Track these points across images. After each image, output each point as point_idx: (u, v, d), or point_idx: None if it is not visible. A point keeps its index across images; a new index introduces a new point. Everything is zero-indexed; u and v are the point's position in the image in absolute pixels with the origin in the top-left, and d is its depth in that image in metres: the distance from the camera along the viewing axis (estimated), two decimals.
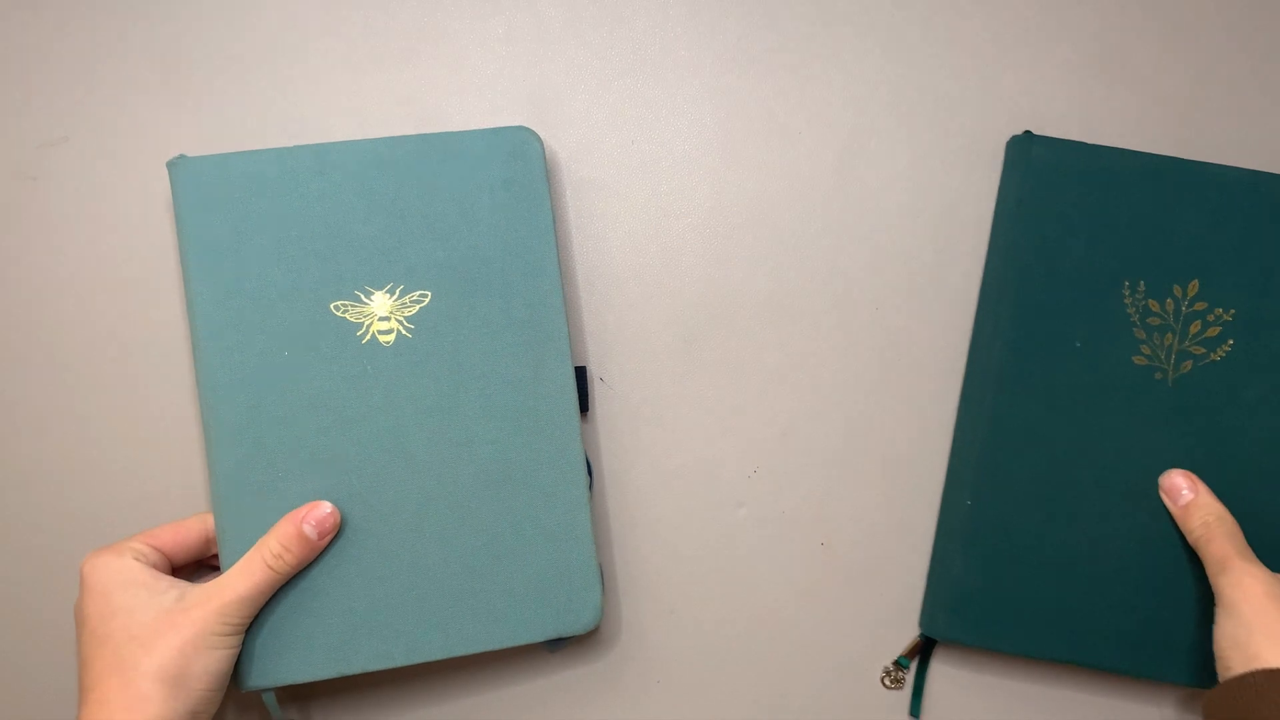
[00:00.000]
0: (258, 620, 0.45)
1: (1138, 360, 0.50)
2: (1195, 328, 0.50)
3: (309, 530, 0.45)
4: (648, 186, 0.53)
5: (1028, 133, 0.51)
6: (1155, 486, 0.50)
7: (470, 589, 0.47)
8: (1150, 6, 0.54)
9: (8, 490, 0.51)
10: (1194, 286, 0.50)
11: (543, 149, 0.48)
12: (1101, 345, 0.50)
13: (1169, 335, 0.50)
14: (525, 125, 0.48)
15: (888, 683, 0.53)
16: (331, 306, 0.47)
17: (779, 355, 0.53)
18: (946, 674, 0.53)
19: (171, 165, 0.47)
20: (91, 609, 0.43)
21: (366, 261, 0.47)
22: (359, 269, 0.47)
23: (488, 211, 0.48)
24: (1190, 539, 0.48)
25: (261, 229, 0.47)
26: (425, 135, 0.48)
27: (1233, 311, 0.50)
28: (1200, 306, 0.50)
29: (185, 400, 0.52)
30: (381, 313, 0.47)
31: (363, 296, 0.47)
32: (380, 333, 0.47)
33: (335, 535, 0.46)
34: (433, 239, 0.47)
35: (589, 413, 0.52)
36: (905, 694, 0.53)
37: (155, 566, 0.45)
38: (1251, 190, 0.50)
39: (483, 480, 0.47)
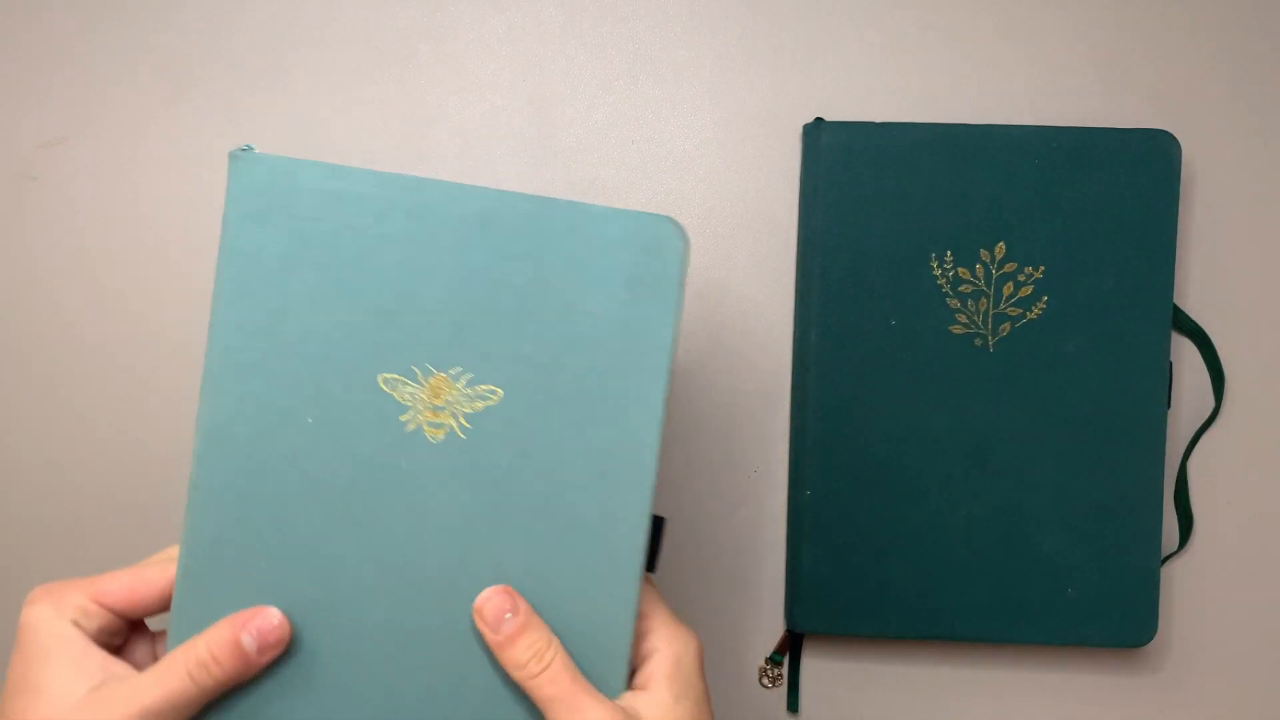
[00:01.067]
0: None
1: (955, 330, 0.50)
2: (1008, 289, 0.50)
3: (247, 641, 0.37)
4: (648, 186, 0.53)
5: (818, 119, 0.51)
6: (991, 454, 0.50)
7: None
8: None
9: None
10: (1001, 249, 0.50)
11: (685, 249, 0.38)
12: (917, 320, 0.50)
13: (983, 300, 0.50)
14: (670, 216, 0.38)
15: (766, 682, 0.53)
16: (380, 378, 0.38)
17: None
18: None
19: (234, 157, 0.37)
20: (13, 670, 0.37)
21: (435, 333, 0.38)
22: (424, 340, 0.37)
23: (599, 310, 0.38)
24: (517, 677, 0.37)
25: (321, 260, 0.37)
26: (548, 200, 0.38)
27: (1042, 268, 0.50)
28: (1010, 268, 0.50)
29: (187, 410, 0.52)
30: (438, 401, 0.38)
31: (420, 375, 0.38)
32: (429, 424, 0.38)
33: (281, 652, 0.37)
34: (522, 327, 0.38)
35: (654, 572, 0.42)
36: (784, 691, 0.53)
37: (100, 629, 0.38)
38: (1042, 145, 0.50)
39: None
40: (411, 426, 0.38)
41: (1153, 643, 0.51)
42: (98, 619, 0.38)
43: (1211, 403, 0.53)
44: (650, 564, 0.40)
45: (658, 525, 0.40)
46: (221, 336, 0.37)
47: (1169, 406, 0.50)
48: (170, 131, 0.54)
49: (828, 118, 0.52)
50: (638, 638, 0.39)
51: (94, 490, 0.53)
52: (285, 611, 0.38)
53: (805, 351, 0.51)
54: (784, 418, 0.52)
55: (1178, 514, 0.52)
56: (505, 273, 0.38)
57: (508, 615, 0.37)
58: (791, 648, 0.52)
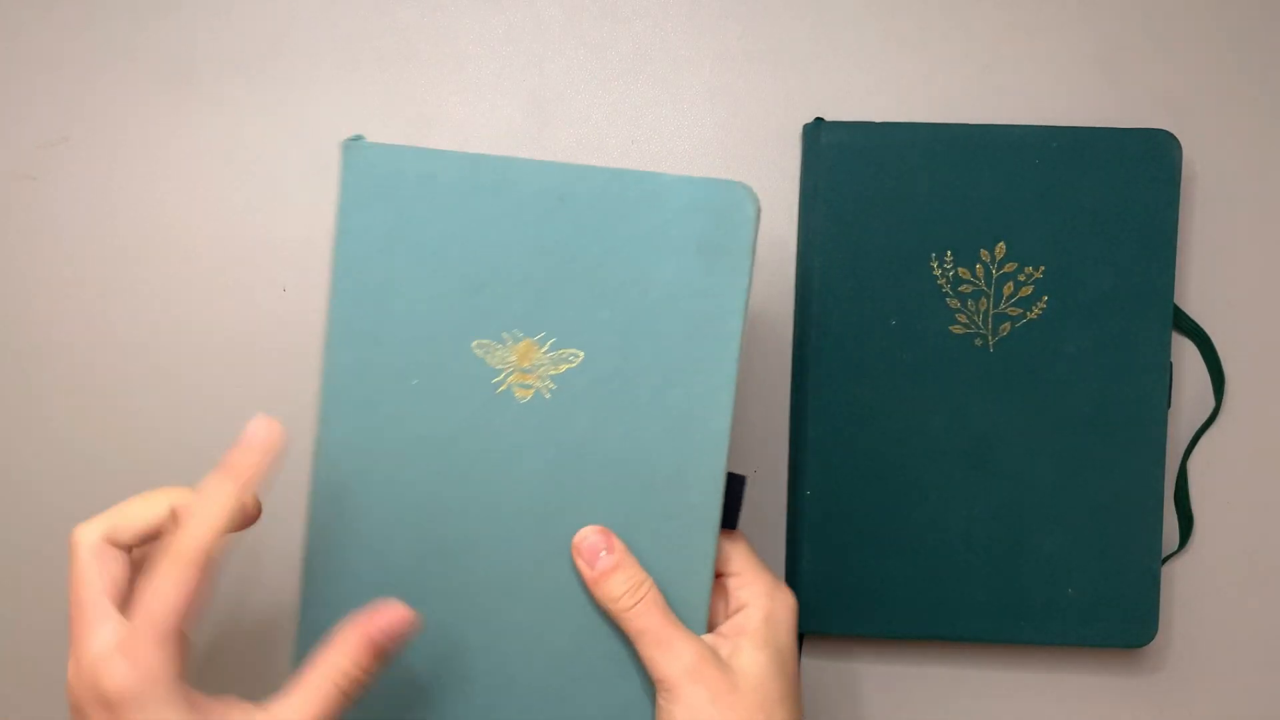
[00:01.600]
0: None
1: (955, 330, 0.50)
2: (1008, 289, 0.50)
3: (383, 641, 0.38)
4: None
5: (818, 119, 0.51)
6: (991, 454, 0.50)
7: (544, 701, 0.42)
8: None
9: None
10: (1001, 249, 0.50)
11: (757, 213, 0.40)
12: (917, 320, 0.50)
13: (983, 300, 0.50)
14: (742, 182, 0.40)
15: None
16: (473, 344, 0.41)
17: None
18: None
19: (346, 146, 0.41)
20: None
21: (522, 302, 0.41)
22: (512, 309, 0.41)
23: (673, 274, 0.40)
24: (611, 610, 0.41)
25: (421, 238, 0.41)
26: (622, 171, 0.40)
27: (1043, 268, 0.50)
28: (1010, 268, 0.50)
29: (187, 408, 0.53)
30: (525, 364, 0.41)
31: (509, 340, 0.41)
32: (518, 385, 0.41)
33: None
34: (601, 293, 0.40)
35: (735, 528, 0.44)
36: None
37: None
38: (1042, 145, 0.50)
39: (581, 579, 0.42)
40: (502, 388, 0.41)
41: (1153, 643, 0.51)
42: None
43: (1211, 403, 0.53)
44: (730, 521, 0.42)
45: (738, 484, 0.43)
46: (339, 309, 0.41)
47: (1169, 406, 0.50)
48: (170, 131, 0.54)
49: (828, 118, 0.52)
50: (732, 592, 0.42)
51: (93, 490, 0.53)
52: (400, 558, 0.41)
53: (805, 351, 0.50)
54: (784, 418, 0.52)
55: (1178, 514, 0.52)
56: (583, 242, 0.40)
57: (603, 553, 0.41)
58: None
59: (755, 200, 0.40)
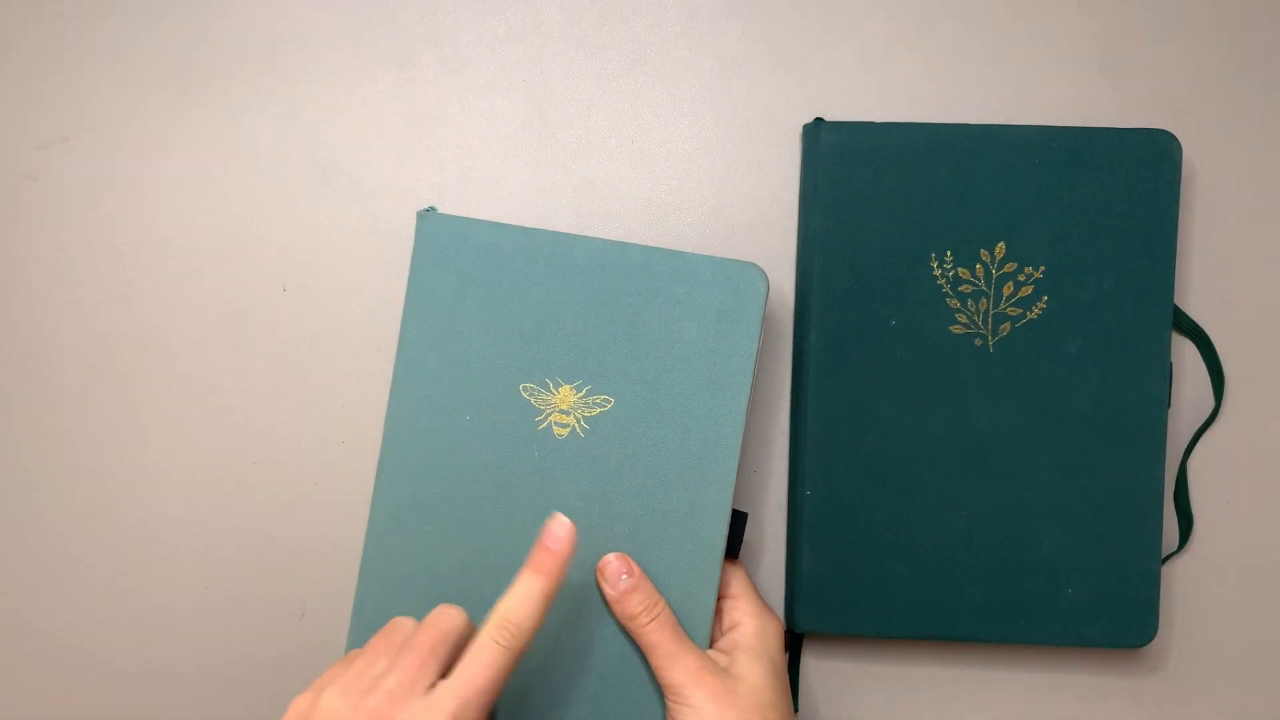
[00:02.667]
0: None
1: (955, 330, 0.50)
2: (1008, 289, 0.50)
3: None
4: (648, 186, 0.53)
5: (818, 119, 0.51)
6: (991, 454, 0.50)
7: (569, 703, 0.48)
8: None
9: None
10: (1001, 249, 0.50)
11: (767, 290, 0.48)
12: (917, 320, 0.50)
13: (983, 300, 0.50)
14: (754, 263, 0.48)
15: None
16: (520, 387, 0.48)
17: None
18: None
19: (421, 216, 0.49)
20: None
21: (564, 354, 0.48)
22: (555, 359, 0.48)
23: (693, 337, 0.48)
24: (629, 626, 0.46)
25: (481, 297, 0.48)
26: (656, 250, 0.48)
27: (1043, 268, 0.50)
28: (1010, 268, 0.50)
29: (188, 408, 0.53)
30: (564, 406, 0.48)
31: (551, 385, 0.48)
32: (557, 424, 0.48)
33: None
34: (631, 349, 0.48)
35: (737, 558, 0.50)
36: None
37: None
38: (1042, 145, 0.50)
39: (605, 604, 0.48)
40: (543, 426, 0.48)
41: (1153, 643, 0.51)
42: None
43: (1211, 403, 0.53)
44: (733, 551, 0.49)
45: (740, 519, 0.49)
46: (407, 350, 0.48)
47: (1169, 406, 0.50)
48: (170, 131, 0.54)
49: (828, 118, 0.52)
50: (728, 612, 0.48)
51: (94, 489, 0.53)
52: (447, 571, 0.48)
53: (805, 351, 0.50)
54: (784, 418, 0.52)
55: (1178, 514, 0.52)
56: (619, 307, 0.48)
57: (624, 576, 0.47)
58: (791, 648, 0.52)
59: (765, 279, 0.48)
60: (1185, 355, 0.53)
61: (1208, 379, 0.53)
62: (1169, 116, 0.52)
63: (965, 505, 0.50)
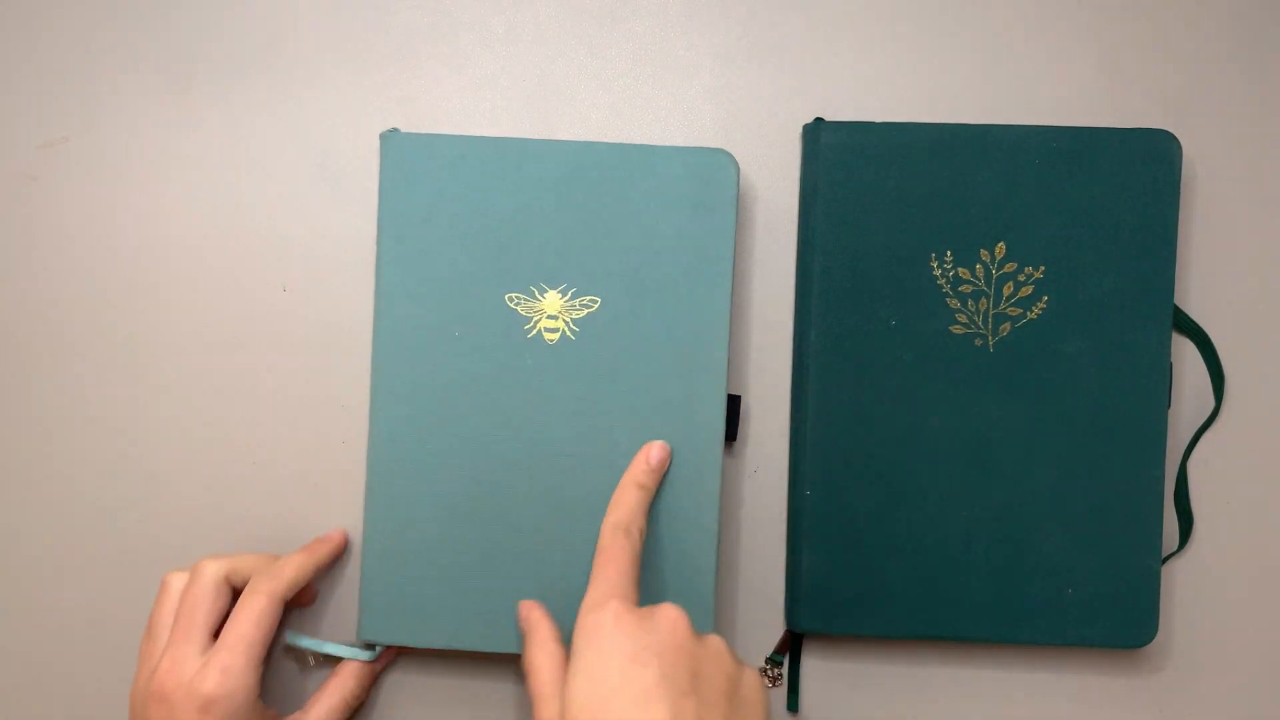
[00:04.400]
0: (382, 577, 0.49)
1: (955, 330, 0.50)
2: (1008, 289, 0.50)
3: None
4: None
5: (818, 119, 0.51)
6: (991, 454, 0.50)
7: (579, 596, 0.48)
8: None
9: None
10: (1001, 249, 0.50)
11: (738, 175, 0.48)
12: (917, 320, 0.50)
13: (983, 300, 0.50)
14: (724, 149, 0.49)
15: (766, 682, 0.53)
16: (506, 297, 0.49)
17: None
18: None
19: (384, 137, 0.49)
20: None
21: (545, 259, 0.49)
22: (537, 265, 0.49)
23: (671, 230, 0.49)
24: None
25: (455, 211, 0.49)
26: (623, 145, 0.49)
27: (1043, 268, 0.50)
28: (1010, 268, 0.50)
29: (188, 408, 0.53)
30: (551, 311, 0.49)
31: (536, 293, 0.49)
32: (546, 330, 0.49)
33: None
34: (611, 248, 0.49)
35: (734, 443, 0.52)
36: (784, 691, 0.53)
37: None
38: (1042, 145, 0.50)
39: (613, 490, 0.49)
40: (533, 333, 0.49)
41: (1153, 643, 0.51)
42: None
43: (1211, 403, 0.53)
44: (730, 435, 0.50)
45: (735, 402, 0.50)
46: (385, 273, 0.49)
47: (1169, 406, 0.50)
48: (170, 131, 0.54)
49: (828, 118, 0.52)
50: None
51: (93, 489, 0.53)
52: (452, 485, 0.49)
53: (805, 351, 0.50)
54: (784, 418, 0.52)
55: (1178, 514, 0.52)
56: (594, 206, 0.49)
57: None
58: (791, 648, 0.52)
59: (735, 163, 0.49)
60: (1185, 355, 0.53)
61: (1208, 379, 0.53)
62: (1169, 116, 0.52)
63: (965, 505, 0.50)
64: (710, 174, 0.48)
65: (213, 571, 0.47)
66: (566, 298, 0.49)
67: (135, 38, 0.54)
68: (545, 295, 0.49)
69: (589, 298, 0.49)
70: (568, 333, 0.49)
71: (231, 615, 0.47)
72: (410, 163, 0.49)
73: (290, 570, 0.48)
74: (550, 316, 0.49)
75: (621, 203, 0.49)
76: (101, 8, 0.54)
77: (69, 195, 0.54)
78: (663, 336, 0.49)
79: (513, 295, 0.49)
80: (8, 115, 0.54)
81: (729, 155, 0.48)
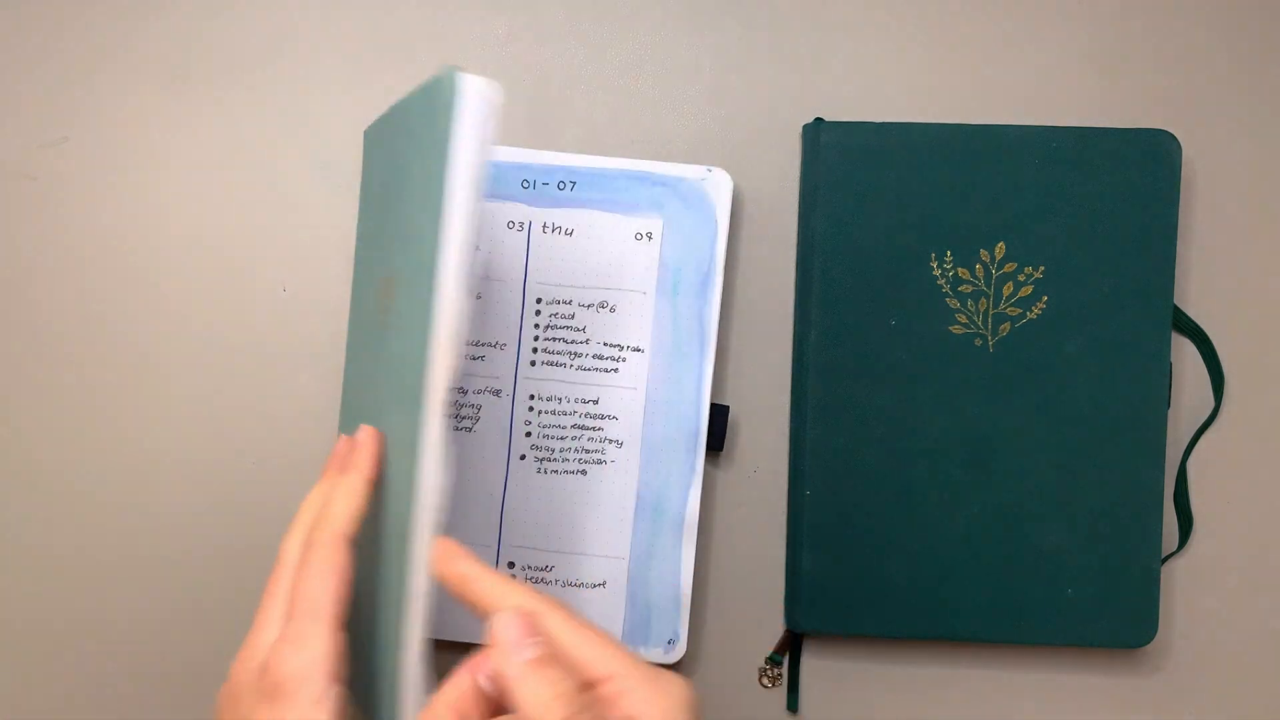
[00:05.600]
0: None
1: (955, 330, 0.50)
2: (1008, 289, 0.50)
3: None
4: None
5: (818, 119, 0.51)
6: (991, 454, 0.50)
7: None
8: None
9: None
10: (1001, 249, 0.50)
11: (457, 98, 0.37)
12: (917, 320, 0.50)
13: (983, 300, 0.50)
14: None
15: (765, 682, 0.53)
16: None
17: None
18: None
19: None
20: None
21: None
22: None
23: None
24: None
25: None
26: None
27: (1042, 268, 0.50)
28: (1010, 268, 0.50)
29: (188, 408, 0.53)
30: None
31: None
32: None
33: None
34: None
35: (720, 453, 0.52)
36: (784, 691, 0.53)
37: None
38: (1042, 145, 0.50)
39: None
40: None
41: (1153, 643, 0.51)
42: None
43: (1211, 403, 0.53)
44: (716, 444, 0.50)
45: (721, 412, 0.50)
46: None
47: (1169, 406, 0.50)
48: (170, 131, 0.54)
49: (828, 118, 0.52)
50: (614, 701, 0.35)
51: (93, 489, 0.53)
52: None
53: (805, 351, 0.50)
54: (784, 418, 0.52)
55: (1178, 514, 0.52)
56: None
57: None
58: (791, 648, 0.52)
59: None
60: (1185, 355, 0.53)
61: (1208, 379, 0.53)
62: (1169, 116, 0.52)
63: (965, 505, 0.50)
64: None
65: (335, 538, 0.39)
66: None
67: (135, 38, 0.54)
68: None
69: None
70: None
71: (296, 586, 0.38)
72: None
73: (343, 508, 0.39)
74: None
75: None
76: (101, 8, 0.54)
77: (69, 195, 0.54)
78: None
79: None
80: (8, 115, 0.54)
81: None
